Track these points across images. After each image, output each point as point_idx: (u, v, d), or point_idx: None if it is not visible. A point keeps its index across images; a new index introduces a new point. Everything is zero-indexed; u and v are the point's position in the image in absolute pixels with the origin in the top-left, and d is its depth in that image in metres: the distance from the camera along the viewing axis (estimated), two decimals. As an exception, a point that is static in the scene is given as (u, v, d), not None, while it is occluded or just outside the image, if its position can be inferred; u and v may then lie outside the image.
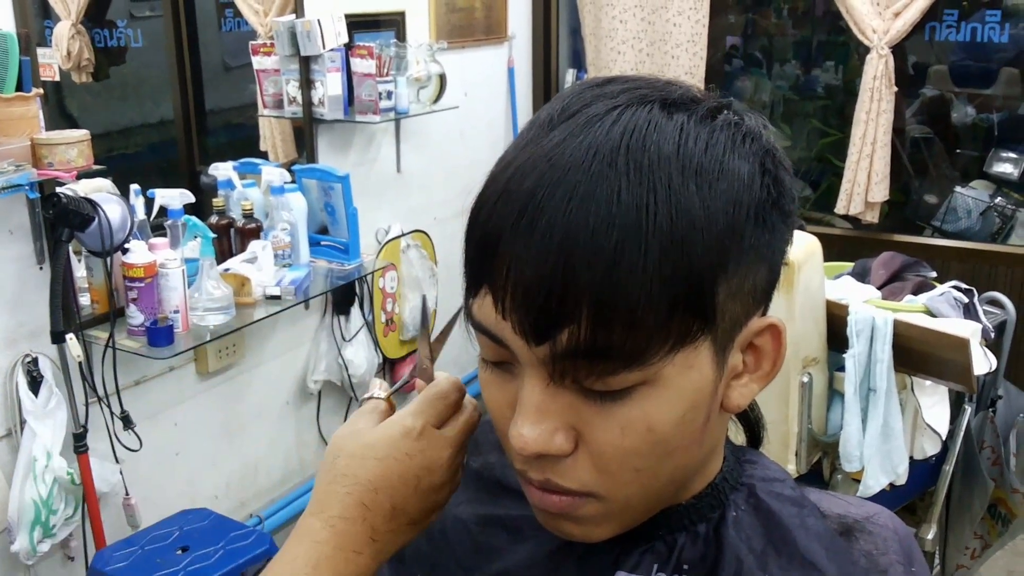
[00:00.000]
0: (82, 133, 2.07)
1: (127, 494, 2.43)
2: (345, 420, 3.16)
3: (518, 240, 0.56)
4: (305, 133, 2.93)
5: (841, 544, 0.69)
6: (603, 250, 0.54)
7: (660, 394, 0.58)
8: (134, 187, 2.43)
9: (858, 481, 2.33)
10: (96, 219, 2.12)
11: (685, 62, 3.66)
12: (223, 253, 2.59)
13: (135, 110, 3.68)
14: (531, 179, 0.57)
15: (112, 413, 2.33)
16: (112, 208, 2.17)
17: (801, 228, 2.77)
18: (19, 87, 2.02)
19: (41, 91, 2.08)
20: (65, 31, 3.00)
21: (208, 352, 2.64)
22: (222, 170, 2.74)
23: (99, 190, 2.25)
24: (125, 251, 2.22)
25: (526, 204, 0.56)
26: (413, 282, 3.34)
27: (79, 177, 2.13)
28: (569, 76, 4.11)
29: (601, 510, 0.63)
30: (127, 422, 2.34)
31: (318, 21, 2.75)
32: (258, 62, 2.94)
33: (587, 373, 0.57)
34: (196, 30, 3.14)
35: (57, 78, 3.19)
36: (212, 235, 2.51)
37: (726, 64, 4.63)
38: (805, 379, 2.24)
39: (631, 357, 0.56)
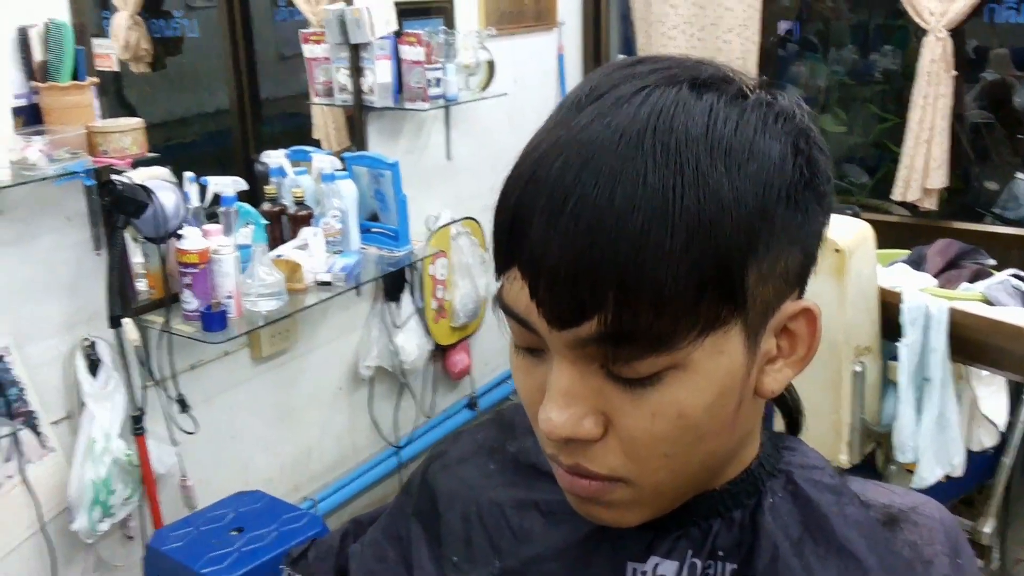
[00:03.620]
0: (136, 121, 2.11)
1: (184, 476, 2.48)
2: (397, 406, 3.21)
3: (545, 223, 0.55)
4: (355, 121, 2.95)
5: (882, 534, 0.67)
6: (629, 233, 0.53)
7: (690, 379, 0.57)
8: (188, 174, 2.47)
9: (912, 472, 2.29)
10: (150, 206, 2.16)
11: (737, 47, 3.61)
12: (275, 240, 2.62)
13: (192, 100, 3.73)
14: (559, 161, 0.56)
15: (168, 396, 2.37)
16: (166, 195, 2.21)
17: (856, 215, 2.72)
18: (75, 76, 2.06)
19: (96, 80, 2.12)
20: (123, 22, 3.04)
21: (262, 337, 2.67)
22: (273, 158, 2.77)
23: (156, 178, 2.29)
24: (179, 237, 2.26)
25: (554, 187, 0.55)
26: (463, 269, 3.35)
27: (135, 165, 2.17)
28: (620, 62, 4.08)
29: (631, 496, 0.62)
30: (183, 405, 2.39)
31: (367, 9, 2.76)
32: (308, 50, 2.96)
33: (614, 358, 0.57)
34: (250, 20, 3.17)
35: (116, 68, 3.24)
36: (264, 222, 2.54)
37: (780, 49, 4.57)
38: (858, 368, 2.21)
39: (658, 341, 0.55)
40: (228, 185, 2.47)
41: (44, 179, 1.96)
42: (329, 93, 2.97)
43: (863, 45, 4.70)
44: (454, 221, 3.31)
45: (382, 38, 2.84)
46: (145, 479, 2.32)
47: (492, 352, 3.68)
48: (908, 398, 2.23)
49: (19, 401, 2.14)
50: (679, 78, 0.58)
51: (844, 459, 2.27)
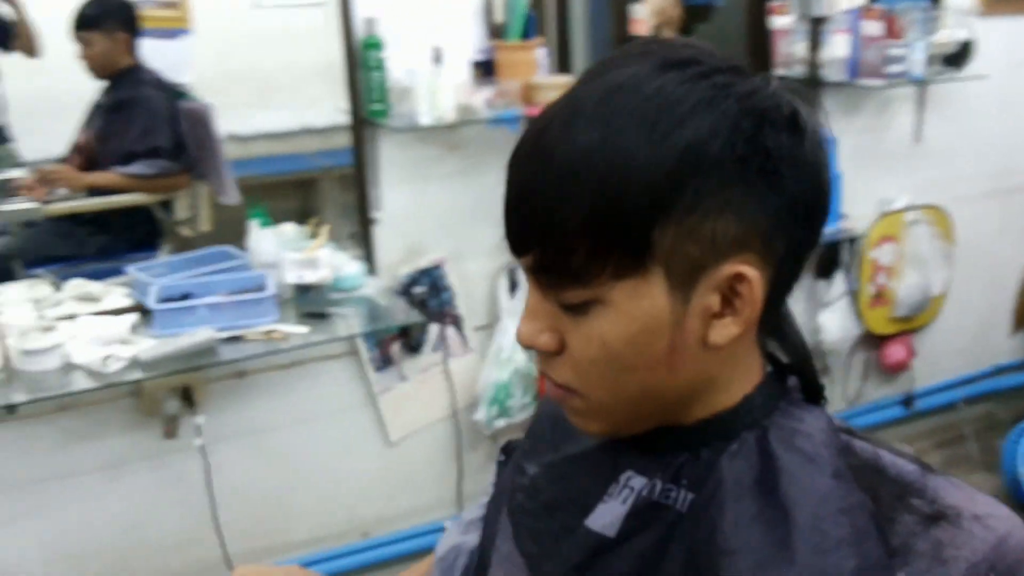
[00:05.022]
0: (566, 79, 2.40)
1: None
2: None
3: (512, 171, 0.69)
4: (808, 94, 2.94)
5: (845, 510, 0.67)
6: (551, 185, 0.65)
7: (610, 314, 0.67)
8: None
9: None
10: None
11: None
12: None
13: None
14: (538, 123, 0.69)
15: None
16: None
17: None
18: (524, 37, 2.40)
19: (542, 39, 2.44)
20: None
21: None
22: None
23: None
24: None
25: (524, 143, 0.69)
26: (916, 259, 3.18)
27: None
28: None
29: (584, 406, 0.74)
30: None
31: (834, -19, 2.74)
32: (774, 21, 3.02)
33: (547, 285, 0.69)
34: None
35: (649, 33, 3.55)
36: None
37: None
38: None
39: (574, 277, 0.66)
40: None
41: (477, 122, 2.33)
42: (787, 65, 3.00)
43: None
44: (912, 207, 3.15)
45: (845, 12, 2.79)
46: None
47: (943, 352, 3.43)
48: None
49: (449, 304, 2.59)
50: (654, 56, 0.67)
51: None
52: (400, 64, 2.34)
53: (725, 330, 0.68)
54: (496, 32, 2.44)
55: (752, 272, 0.66)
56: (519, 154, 0.69)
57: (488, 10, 2.44)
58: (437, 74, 2.33)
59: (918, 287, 3.18)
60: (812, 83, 2.92)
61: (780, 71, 3.06)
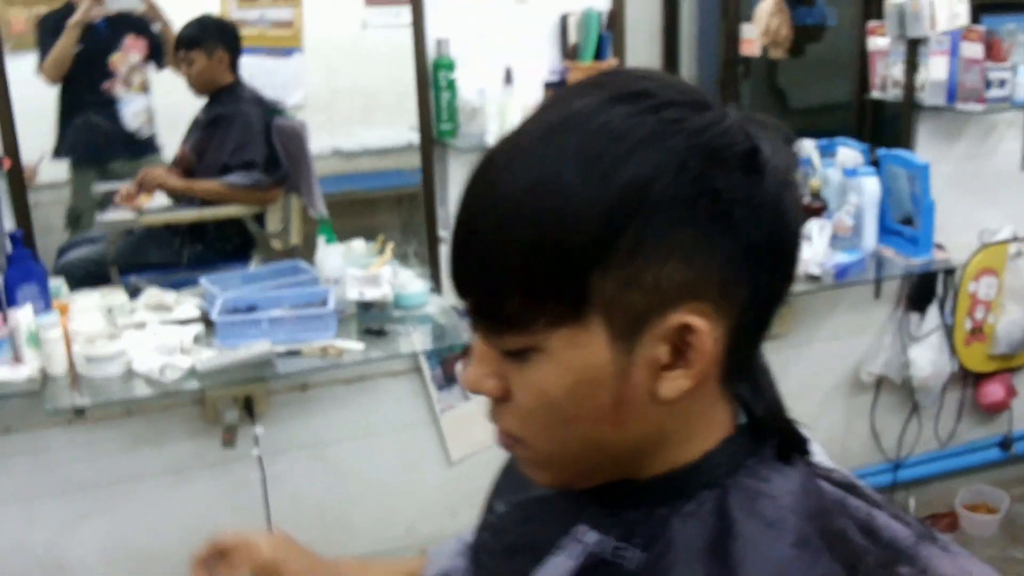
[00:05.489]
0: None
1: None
2: (906, 423, 3.01)
3: (458, 209, 0.66)
4: (903, 118, 2.82)
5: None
6: (487, 226, 0.61)
7: (548, 362, 0.63)
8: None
9: None
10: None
11: None
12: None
13: (823, 89, 3.80)
14: (484, 159, 0.65)
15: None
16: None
17: None
18: (597, 57, 2.37)
19: (615, 61, 2.40)
20: (768, 8, 3.16)
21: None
22: (804, 147, 2.79)
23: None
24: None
25: (470, 179, 0.65)
26: (1018, 294, 2.99)
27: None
28: None
29: (530, 456, 0.70)
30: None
31: (930, 2, 2.61)
32: (872, 43, 2.90)
33: (487, 331, 0.66)
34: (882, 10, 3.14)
35: (758, 53, 3.46)
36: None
37: None
38: None
39: (506, 323, 0.63)
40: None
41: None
42: (883, 87, 2.88)
43: None
44: (1017, 239, 2.97)
45: (944, 33, 2.66)
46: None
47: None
48: None
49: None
50: (606, 88, 0.62)
51: None
52: (471, 84, 2.34)
53: (675, 383, 0.63)
54: (570, 53, 2.42)
55: (700, 322, 0.61)
56: (465, 191, 0.64)
57: (562, 31, 2.41)
58: (507, 94, 2.33)
59: (1020, 323, 3.00)
60: (908, 107, 2.79)
61: (875, 94, 2.95)
